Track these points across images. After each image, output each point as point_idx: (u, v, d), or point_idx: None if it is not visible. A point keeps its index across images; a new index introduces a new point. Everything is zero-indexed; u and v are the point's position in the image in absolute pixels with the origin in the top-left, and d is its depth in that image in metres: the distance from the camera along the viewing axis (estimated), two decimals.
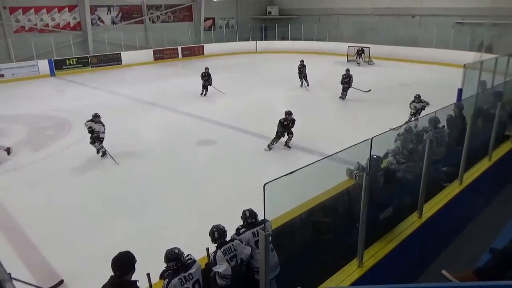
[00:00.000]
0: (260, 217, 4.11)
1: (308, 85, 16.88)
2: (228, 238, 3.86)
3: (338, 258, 3.90)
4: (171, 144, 10.59)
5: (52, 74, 21.19)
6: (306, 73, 16.86)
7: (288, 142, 10.00)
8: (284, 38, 29.94)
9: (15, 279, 3.14)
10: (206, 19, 29.59)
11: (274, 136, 9.87)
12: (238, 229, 4.05)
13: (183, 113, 13.45)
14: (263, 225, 3.86)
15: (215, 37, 29.44)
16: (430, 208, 4.80)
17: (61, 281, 5.05)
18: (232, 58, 26.89)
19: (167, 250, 3.47)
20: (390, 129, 4.90)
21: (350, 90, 14.67)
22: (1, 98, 16.31)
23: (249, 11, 32.10)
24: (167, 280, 3.36)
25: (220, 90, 15.61)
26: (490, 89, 8.87)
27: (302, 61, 16.91)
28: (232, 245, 3.75)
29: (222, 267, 3.60)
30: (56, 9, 22.99)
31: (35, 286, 4.51)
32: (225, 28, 31.22)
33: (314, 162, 3.36)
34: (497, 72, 9.22)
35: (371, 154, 3.83)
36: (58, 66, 21.47)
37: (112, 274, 3.06)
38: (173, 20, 28.63)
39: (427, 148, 4.38)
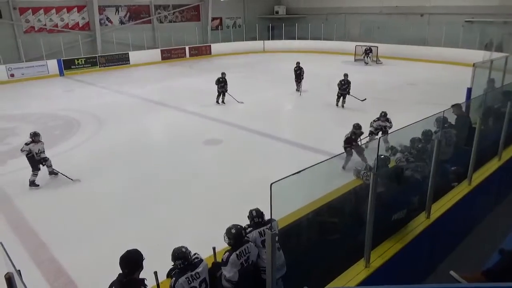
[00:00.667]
0: (267, 217, 4.12)
1: (300, 91, 15.89)
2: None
3: (345, 258, 3.89)
4: (179, 144, 10.64)
5: (61, 73, 21.41)
6: (302, 77, 15.97)
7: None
8: (291, 37, 29.89)
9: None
10: (213, 19, 29.65)
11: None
12: (244, 229, 4.05)
13: (190, 112, 13.49)
14: (269, 224, 3.87)
15: (222, 36, 29.49)
16: (439, 208, 4.76)
17: None
18: (239, 58, 26.91)
19: (174, 249, 3.48)
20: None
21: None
22: (11, 98, 16.51)
23: (256, 10, 32.10)
24: (174, 278, 3.38)
25: (235, 98, 14.46)
26: (500, 88, 8.77)
27: (298, 63, 16.16)
28: (247, 247, 3.70)
29: (230, 272, 3.55)
30: (65, 9, 23.21)
31: None
32: (232, 27, 31.25)
33: (321, 162, 3.35)
34: (507, 71, 9.11)
35: (379, 153, 3.81)
36: (67, 66, 21.68)
37: (120, 272, 3.08)
38: (181, 20, 28.73)
39: (436, 148, 4.34)
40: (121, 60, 23.86)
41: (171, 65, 24.82)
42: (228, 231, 3.73)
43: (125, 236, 6.01)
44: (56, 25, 22.99)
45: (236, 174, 8.45)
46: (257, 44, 29.82)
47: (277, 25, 30.87)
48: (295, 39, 29.53)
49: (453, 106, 6.89)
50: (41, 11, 22.31)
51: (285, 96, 16.06)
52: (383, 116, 9.02)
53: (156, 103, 14.97)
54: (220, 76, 14.32)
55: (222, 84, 14.29)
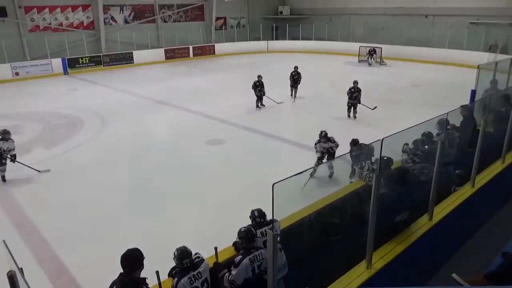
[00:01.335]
0: (269, 217, 4.12)
1: (295, 96, 15.10)
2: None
3: (347, 260, 3.88)
4: (182, 143, 10.66)
5: (65, 72, 21.49)
6: (299, 82, 15.08)
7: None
8: (295, 38, 29.87)
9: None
10: (217, 19, 29.68)
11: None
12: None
13: (193, 112, 13.51)
14: (271, 225, 3.86)
15: (226, 36, 29.51)
16: (441, 210, 4.74)
17: None
18: (243, 58, 26.92)
19: (178, 249, 3.46)
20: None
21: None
22: (15, 96, 16.59)
23: (260, 10, 32.10)
24: (176, 279, 3.37)
25: (275, 100, 14.00)
26: (505, 90, 8.72)
27: (296, 67, 15.22)
28: (260, 253, 3.63)
29: (236, 276, 3.49)
30: (70, 9, 23.29)
31: None
32: (236, 27, 31.26)
33: (324, 162, 3.35)
34: None
35: (382, 155, 3.80)
36: (71, 64, 21.76)
37: (121, 271, 3.09)
38: (185, 19, 28.78)
39: (439, 150, 4.33)
40: (125, 59, 23.92)
41: (174, 65, 24.86)
42: (239, 231, 3.73)
43: (127, 234, 6.03)
44: (61, 24, 23.08)
45: (238, 174, 8.45)
46: (261, 44, 29.82)
47: (281, 25, 30.86)
48: (299, 40, 29.51)
49: (461, 107, 6.87)
50: (46, 10, 22.40)
51: (288, 96, 16.02)
52: (324, 137, 7.73)
53: (159, 103, 15.00)
54: (257, 79, 13.56)
55: (259, 88, 13.57)
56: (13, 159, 8.38)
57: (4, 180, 8.27)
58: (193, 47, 27.21)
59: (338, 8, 29.22)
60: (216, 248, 3.86)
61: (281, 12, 32.36)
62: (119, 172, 8.82)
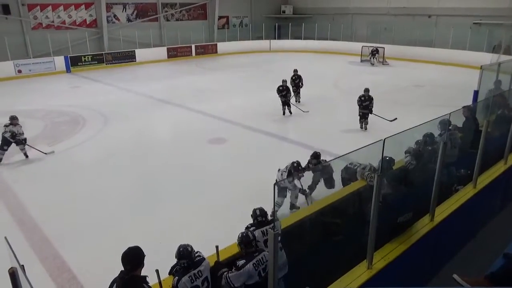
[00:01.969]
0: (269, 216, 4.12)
1: (299, 101, 14.01)
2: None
3: (347, 260, 3.87)
4: (183, 142, 10.66)
5: (67, 70, 21.54)
6: (302, 85, 14.01)
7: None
8: (297, 37, 29.84)
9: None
10: (220, 18, 29.68)
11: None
12: (247, 228, 4.04)
13: (195, 111, 13.51)
14: (272, 224, 3.86)
15: (228, 35, 29.52)
16: (443, 211, 4.73)
17: None
18: (245, 57, 26.92)
19: (180, 247, 3.47)
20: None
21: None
22: (18, 93, 16.63)
23: (263, 10, 32.08)
24: (176, 277, 3.38)
25: (301, 108, 12.93)
26: (507, 91, 8.69)
27: (296, 71, 14.22)
28: (264, 255, 3.62)
29: (235, 277, 3.46)
30: (73, 7, 23.33)
31: None
32: (239, 26, 31.26)
33: (325, 163, 3.34)
34: None
35: (383, 155, 3.79)
36: (73, 62, 21.81)
37: (122, 269, 3.09)
38: (187, 18, 28.78)
39: (441, 151, 4.32)
40: (128, 57, 23.96)
41: (177, 63, 24.88)
42: (237, 237, 3.70)
43: (128, 233, 6.04)
44: (64, 22, 23.12)
45: (239, 173, 8.45)
46: (263, 43, 29.81)
47: (283, 24, 30.84)
48: (302, 39, 29.49)
49: (463, 108, 6.85)
50: (49, 8, 22.45)
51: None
52: (296, 167, 5.88)
53: (161, 101, 15.01)
54: (281, 84, 12.47)
55: (284, 93, 12.44)
56: (24, 142, 9.24)
57: (26, 155, 9.33)
58: (195, 46, 27.23)
59: (341, 7, 29.18)
60: (217, 247, 3.87)
61: (283, 12, 32.34)
62: (120, 170, 8.83)
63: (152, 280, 3.31)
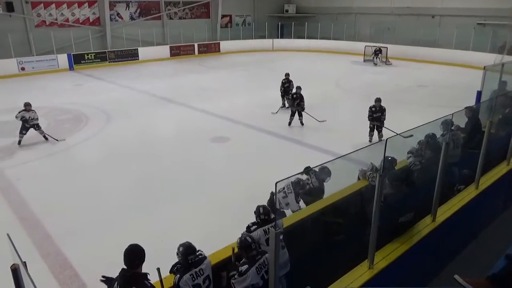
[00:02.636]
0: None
1: (286, 106, 12.93)
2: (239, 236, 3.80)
3: (349, 259, 3.87)
4: (186, 140, 10.67)
5: (71, 68, 21.59)
6: (291, 90, 12.73)
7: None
8: (300, 36, 29.81)
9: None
10: (223, 16, 29.67)
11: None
12: (249, 226, 4.03)
13: (198, 109, 13.53)
14: (274, 222, 3.86)
15: (231, 34, 29.51)
16: (445, 211, 4.72)
17: None
18: (248, 56, 26.92)
19: (182, 244, 3.47)
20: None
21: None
22: (21, 91, 16.66)
23: (266, 9, 32.05)
24: (178, 275, 3.38)
25: (316, 118, 11.58)
26: (511, 92, 8.66)
27: (287, 75, 13.59)
28: (266, 258, 3.56)
29: (239, 285, 3.42)
30: (76, 4, 23.37)
31: None
32: (242, 25, 31.24)
33: (327, 162, 3.34)
34: None
35: (385, 155, 3.79)
36: (76, 60, 21.86)
37: (123, 267, 3.09)
38: (190, 16, 28.79)
39: (443, 151, 4.31)
40: (130, 55, 23.99)
41: (179, 62, 24.89)
42: (237, 240, 3.66)
43: (130, 231, 6.06)
44: (67, 20, 23.17)
45: (241, 172, 8.46)
46: (266, 42, 29.78)
47: (286, 23, 30.81)
48: (305, 38, 29.46)
49: (466, 108, 6.83)
50: (53, 5, 22.50)
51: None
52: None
53: (164, 100, 15.03)
54: (295, 91, 11.45)
55: (297, 101, 11.28)
56: (36, 127, 9.89)
57: (19, 142, 9.82)
58: (198, 44, 27.24)
59: (344, 7, 29.11)
60: (233, 249, 3.80)
61: (287, 11, 32.30)
62: (122, 168, 8.85)
63: (153, 278, 3.31)
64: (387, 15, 26.77)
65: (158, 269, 3.42)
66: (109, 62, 23.07)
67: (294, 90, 11.69)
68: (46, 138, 10.15)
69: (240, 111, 13.16)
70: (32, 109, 9.85)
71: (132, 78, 19.32)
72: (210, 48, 27.88)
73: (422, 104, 13.76)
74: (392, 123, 10.74)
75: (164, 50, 25.65)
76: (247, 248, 3.57)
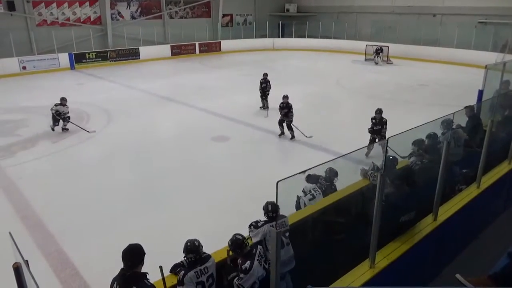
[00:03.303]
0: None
1: (267, 107, 12.43)
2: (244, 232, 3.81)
3: (350, 258, 3.87)
4: (186, 140, 10.68)
5: (72, 67, 21.60)
6: (268, 92, 12.82)
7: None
8: (301, 35, 29.78)
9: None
10: (224, 16, 29.66)
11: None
12: (257, 222, 4.08)
13: (198, 108, 13.53)
14: (276, 221, 3.89)
15: (232, 33, 29.50)
16: (446, 211, 4.72)
17: None
18: (249, 55, 26.90)
19: (187, 241, 3.48)
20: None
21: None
22: (22, 90, 16.70)
23: (267, 8, 32.02)
24: (183, 272, 3.39)
25: (303, 132, 10.38)
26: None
27: (265, 75, 13.25)
28: (260, 248, 3.69)
29: (246, 282, 3.47)
30: (77, 4, 23.39)
31: None
32: (243, 24, 31.22)
33: (328, 161, 3.34)
34: None
35: (387, 154, 3.79)
36: (78, 59, 21.87)
37: (123, 266, 3.09)
38: (191, 16, 28.79)
39: (444, 150, 4.30)
40: (132, 55, 24.00)
41: (180, 61, 24.88)
42: (228, 244, 3.69)
43: (130, 230, 6.06)
44: (68, 19, 23.19)
45: (242, 171, 8.46)
46: (267, 41, 29.76)
47: (287, 23, 30.79)
48: (306, 37, 29.44)
49: (466, 107, 6.82)
50: (54, 4, 22.51)
51: (293, 94, 15.95)
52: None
53: (165, 99, 15.04)
54: (282, 101, 10.32)
55: (285, 110, 10.25)
56: (68, 120, 10.85)
57: (53, 129, 10.87)
58: (199, 43, 27.23)
59: (345, 6, 29.07)
60: (228, 251, 3.83)
61: (287, 10, 32.28)
62: (124, 167, 8.86)
63: (155, 277, 3.32)
64: (388, 14, 26.72)
65: (161, 267, 3.42)
66: (110, 61, 23.08)
67: (281, 102, 10.40)
68: (65, 129, 11.01)
69: (241, 110, 13.15)
70: (66, 104, 10.83)
71: (133, 77, 19.32)
72: (211, 48, 27.88)
73: (423, 103, 13.74)
74: (393, 123, 10.74)
75: (165, 49, 25.65)
76: (240, 246, 3.61)
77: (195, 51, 27.01)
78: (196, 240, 3.50)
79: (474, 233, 5.50)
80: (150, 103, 14.43)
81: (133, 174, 8.55)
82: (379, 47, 23.11)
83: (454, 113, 4.96)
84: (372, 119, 9.04)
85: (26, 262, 1.88)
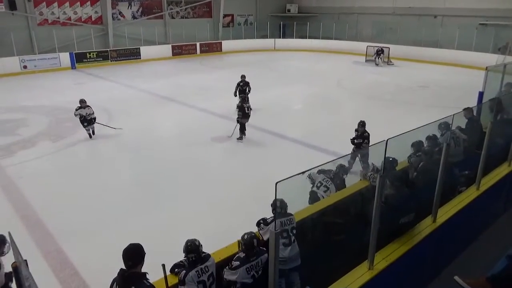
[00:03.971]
0: (270, 215, 4.13)
1: (250, 109, 10.66)
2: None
3: (349, 260, 3.87)
4: (187, 139, 10.68)
5: (72, 67, 21.62)
6: (247, 94, 12.30)
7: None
8: (302, 36, 29.79)
9: None
10: (225, 16, 29.66)
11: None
12: (265, 219, 4.13)
13: (199, 108, 13.54)
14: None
15: (233, 34, 29.51)
16: (445, 212, 4.72)
17: None
18: (250, 55, 26.90)
19: (188, 241, 3.50)
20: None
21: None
22: (23, 89, 16.71)
23: (268, 8, 32.02)
24: (184, 271, 3.41)
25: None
26: None
27: (243, 77, 13.13)
28: (260, 260, 3.69)
29: (229, 277, 3.64)
30: (78, 3, 23.40)
31: None
32: (244, 25, 31.23)
33: (327, 162, 3.34)
34: None
35: (386, 155, 3.78)
36: (78, 59, 21.89)
37: (122, 267, 3.10)
38: (192, 16, 28.80)
39: (444, 151, 4.30)
40: (132, 54, 24.01)
41: (181, 61, 24.89)
42: (242, 236, 3.73)
43: (130, 230, 6.06)
44: (69, 18, 23.20)
45: (242, 172, 8.46)
46: (268, 42, 29.76)
47: (288, 23, 30.79)
48: (306, 38, 29.44)
49: (464, 109, 6.81)
50: (55, 4, 22.53)
51: (293, 94, 16.02)
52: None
53: (166, 99, 15.04)
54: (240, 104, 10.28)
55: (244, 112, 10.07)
56: (94, 121, 10.49)
57: (90, 135, 10.53)
58: (200, 44, 27.23)
59: (346, 7, 29.07)
60: (239, 243, 3.90)
61: (289, 10, 32.29)
62: (123, 167, 8.87)
63: (156, 276, 3.33)
64: (389, 15, 26.72)
65: (163, 266, 3.43)
66: (111, 61, 23.10)
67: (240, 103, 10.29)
68: (93, 133, 10.64)
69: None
70: (88, 105, 10.40)
71: (134, 77, 19.33)
72: (212, 48, 27.89)
73: (423, 105, 13.73)
74: (394, 124, 10.74)
75: (166, 49, 25.66)
76: (250, 247, 3.67)
77: (196, 51, 27.01)
78: (196, 240, 3.52)
79: (474, 235, 5.50)
80: (150, 103, 14.44)
81: (133, 173, 8.55)
82: (379, 48, 23.11)
83: (453, 115, 4.96)
84: (355, 130, 8.24)
85: (25, 261, 1.88)
